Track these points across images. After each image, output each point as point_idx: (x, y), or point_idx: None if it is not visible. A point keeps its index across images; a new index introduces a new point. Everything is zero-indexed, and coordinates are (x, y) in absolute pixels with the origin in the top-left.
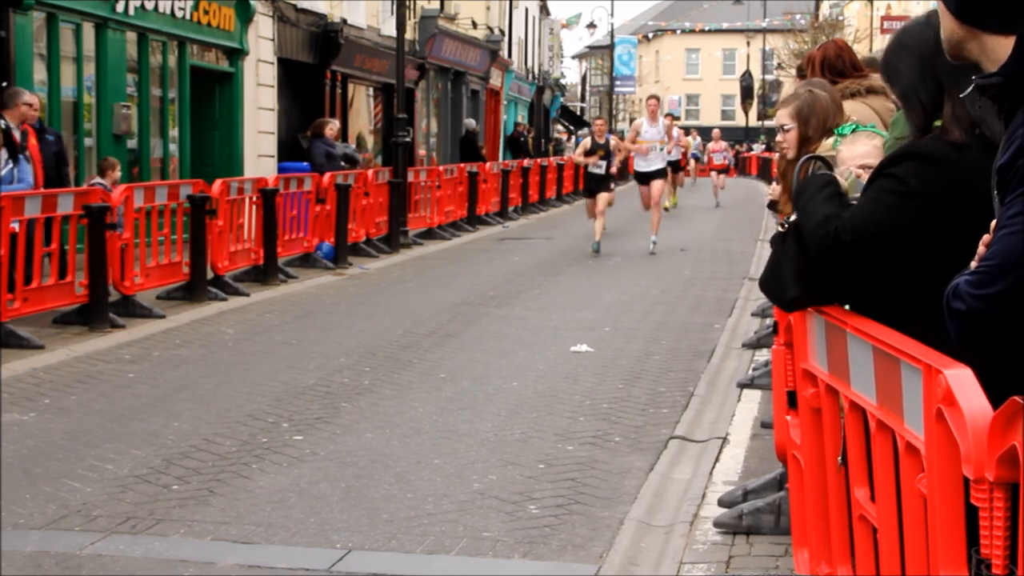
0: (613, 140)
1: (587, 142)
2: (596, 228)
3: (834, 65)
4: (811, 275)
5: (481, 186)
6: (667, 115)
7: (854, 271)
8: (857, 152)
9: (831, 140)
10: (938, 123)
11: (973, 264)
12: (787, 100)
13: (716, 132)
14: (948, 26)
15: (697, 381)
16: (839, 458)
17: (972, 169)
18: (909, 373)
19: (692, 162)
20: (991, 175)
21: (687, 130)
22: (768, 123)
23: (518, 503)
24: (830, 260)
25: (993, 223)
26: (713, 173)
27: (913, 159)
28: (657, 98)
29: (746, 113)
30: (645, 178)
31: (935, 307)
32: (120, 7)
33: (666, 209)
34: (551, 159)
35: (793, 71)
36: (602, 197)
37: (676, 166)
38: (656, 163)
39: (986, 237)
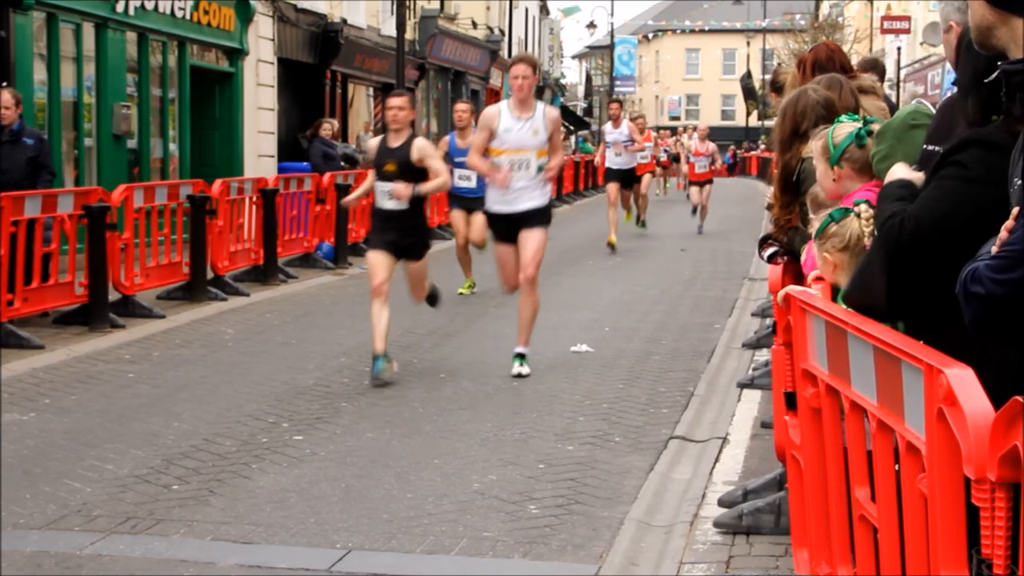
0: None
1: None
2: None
3: (825, 67)
4: (892, 275)
5: None
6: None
7: (926, 263)
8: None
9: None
10: (995, 119)
11: (994, 249)
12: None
13: (701, 129)
14: (978, 11)
15: (697, 381)
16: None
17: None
18: (910, 373)
19: (682, 164)
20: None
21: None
22: (768, 123)
23: (518, 503)
24: (898, 252)
25: (1015, 209)
26: (694, 189)
27: (978, 145)
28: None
29: (748, 114)
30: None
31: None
32: (120, 7)
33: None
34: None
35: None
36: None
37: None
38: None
39: (1008, 223)
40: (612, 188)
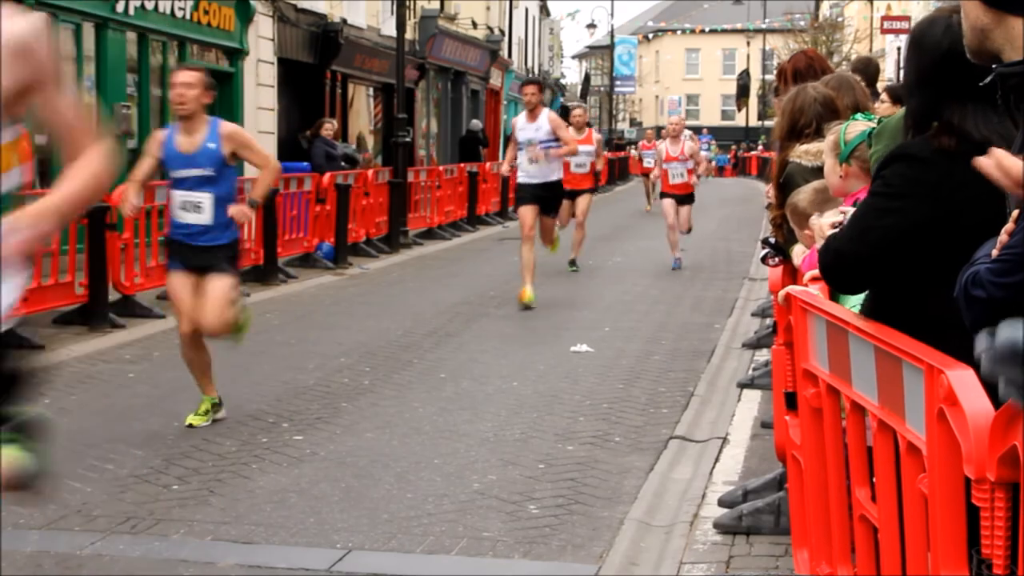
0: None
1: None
2: None
3: (804, 75)
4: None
5: (481, 186)
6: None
7: (866, 280)
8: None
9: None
10: (934, 125)
11: (994, 252)
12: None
13: (672, 124)
14: (973, 13)
15: (697, 381)
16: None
17: (959, 177)
18: (911, 373)
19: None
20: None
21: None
22: (768, 123)
23: (518, 503)
24: (839, 277)
25: (1015, 212)
26: (666, 202)
27: (899, 160)
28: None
29: (739, 110)
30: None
31: (932, 310)
32: (120, 7)
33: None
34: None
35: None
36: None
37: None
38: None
39: (1008, 226)
40: (526, 214)
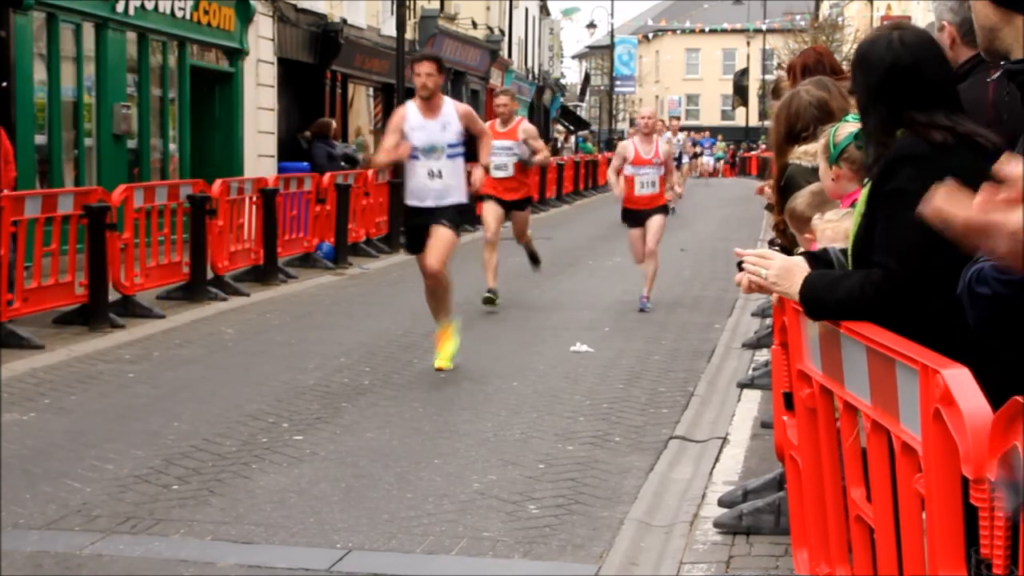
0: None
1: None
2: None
3: (814, 71)
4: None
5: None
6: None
7: (926, 298)
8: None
9: (815, 144)
10: (900, 132)
11: None
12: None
13: (644, 117)
14: (982, 12)
15: (697, 381)
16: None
17: (959, 170)
18: (904, 373)
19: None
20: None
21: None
22: (769, 123)
23: (518, 503)
24: (902, 305)
25: None
26: (632, 235)
27: (905, 164)
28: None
29: (734, 108)
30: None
31: (935, 308)
32: (120, 7)
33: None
34: (551, 159)
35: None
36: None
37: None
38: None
39: None
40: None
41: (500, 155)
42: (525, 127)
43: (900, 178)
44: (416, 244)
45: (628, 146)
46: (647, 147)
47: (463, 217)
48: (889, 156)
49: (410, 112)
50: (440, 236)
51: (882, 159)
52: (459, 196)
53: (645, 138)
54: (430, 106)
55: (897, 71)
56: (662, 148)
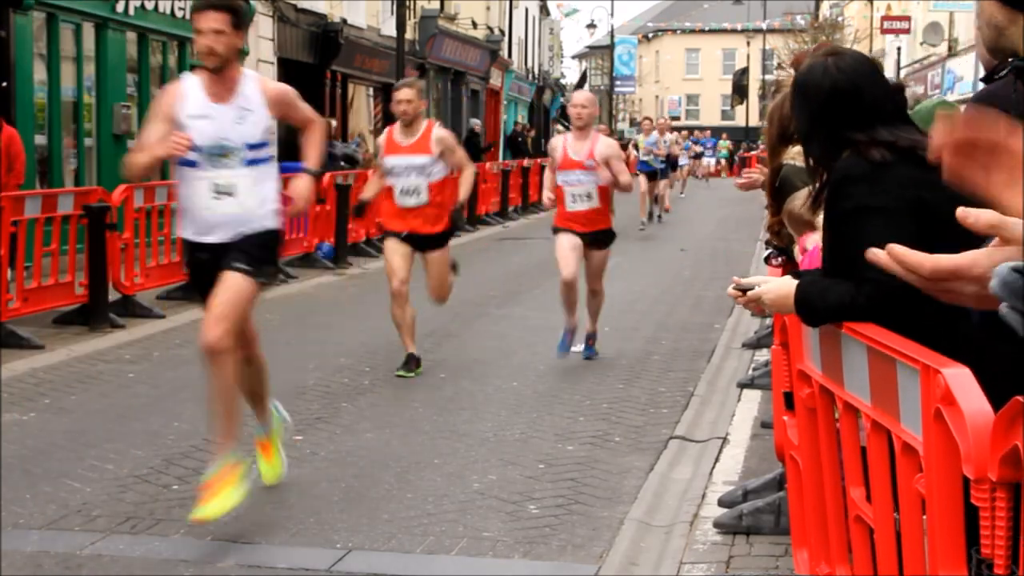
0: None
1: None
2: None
3: None
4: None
5: (481, 186)
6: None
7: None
8: None
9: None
10: (846, 154)
11: None
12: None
13: (579, 102)
14: (988, 11)
15: (697, 381)
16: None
17: (904, 181)
18: (905, 373)
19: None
20: (923, 185)
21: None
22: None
23: (518, 503)
24: (896, 307)
25: None
26: (560, 243)
27: (849, 183)
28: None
29: (733, 107)
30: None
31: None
32: (120, 7)
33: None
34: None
35: (793, 71)
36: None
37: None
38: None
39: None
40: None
41: (406, 175)
42: (439, 135)
43: (856, 195)
44: (204, 284)
45: (557, 144)
46: (580, 145)
47: (272, 253)
48: (833, 178)
49: (189, 90)
50: (231, 287)
51: (827, 183)
52: (263, 222)
53: (579, 133)
54: (221, 82)
55: (836, 95)
56: (599, 148)
